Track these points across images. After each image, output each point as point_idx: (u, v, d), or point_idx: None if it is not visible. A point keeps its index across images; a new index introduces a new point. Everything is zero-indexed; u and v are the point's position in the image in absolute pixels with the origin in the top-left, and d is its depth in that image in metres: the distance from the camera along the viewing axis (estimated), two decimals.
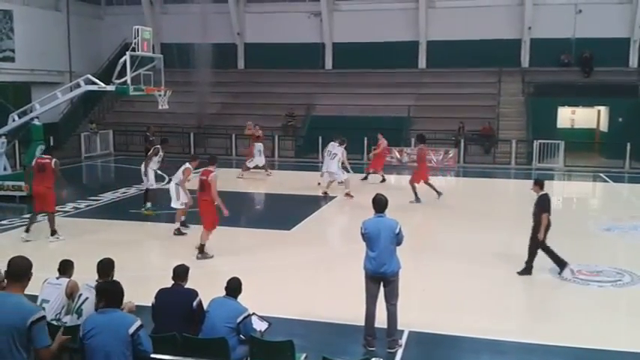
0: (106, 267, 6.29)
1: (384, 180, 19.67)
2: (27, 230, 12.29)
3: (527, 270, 10.20)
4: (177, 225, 12.91)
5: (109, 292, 5.07)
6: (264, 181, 20.50)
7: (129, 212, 15.33)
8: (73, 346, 4.99)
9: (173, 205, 12.91)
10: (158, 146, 15.08)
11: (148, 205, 14.83)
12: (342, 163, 17.53)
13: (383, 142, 20.37)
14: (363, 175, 20.07)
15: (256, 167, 20.95)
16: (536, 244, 10.11)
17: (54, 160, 12.44)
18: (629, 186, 21.00)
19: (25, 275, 4.49)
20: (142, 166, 14.99)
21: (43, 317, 4.41)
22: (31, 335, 4.27)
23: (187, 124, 27.83)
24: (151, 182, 14.84)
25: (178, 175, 12.70)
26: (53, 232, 12.26)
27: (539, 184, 10.31)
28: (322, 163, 18.29)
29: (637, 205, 17.72)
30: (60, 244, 11.97)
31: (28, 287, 4.58)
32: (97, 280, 6.24)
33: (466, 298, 9.17)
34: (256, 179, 20.68)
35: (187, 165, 12.60)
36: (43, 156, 12.81)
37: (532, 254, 10.19)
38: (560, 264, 10.17)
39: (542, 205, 10.03)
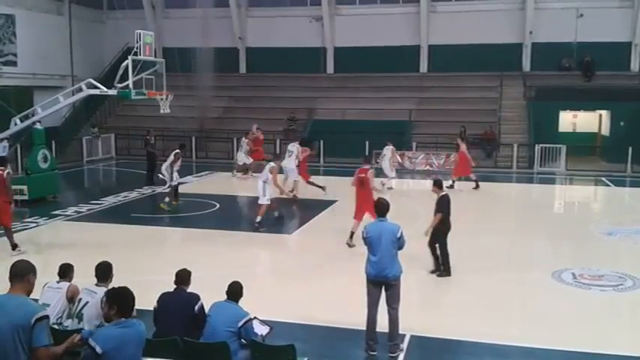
0: (104, 270, 6.30)
1: (477, 186, 18.99)
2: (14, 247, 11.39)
3: (445, 272, 10.30)
4: (258, 219, 13.63)
5: (123, 298, 4.75)
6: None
7: (130, 216, 15.35)
8: (77, 350, 4.95)
9: (260, 202, 13.73)
10: (178, 151, 16.32)
11: (167, 199, 15.94)
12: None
13: (462, 145, 19.67)
14: (449, 182, 18.84)
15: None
16: (442, 243, 10.27)
17: (7, 171, 11.63)
18: (631, 190, 20.97)
19: (27, 278, 4.49)
20: (164, 168, 16.21)
21: (47, 317, 4.41)
22: (32, 333, 4.25)
23: (189, 128, 27.84)
24: (174, 180, 16.07)
25: (265, 173, 13.77)
26: (14, 246, 11.38)
27: (438, 185, 10.49)
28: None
29: (639, 209, 17.69)
30: (59, 249, 11.95)
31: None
32: (96, 284, 6.23)
33: (468, 302, 9.16)
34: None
35: (273, 164, 13.93)
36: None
37: (444, 255, 10.30)
38: (438, 268, 10.30)
39: (439, 206, 10.21)
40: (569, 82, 27.85)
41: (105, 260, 6.44)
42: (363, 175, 12.31)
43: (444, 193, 10.36)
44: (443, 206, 10.16)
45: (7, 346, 4.23)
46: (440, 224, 10.14)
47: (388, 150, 19.76)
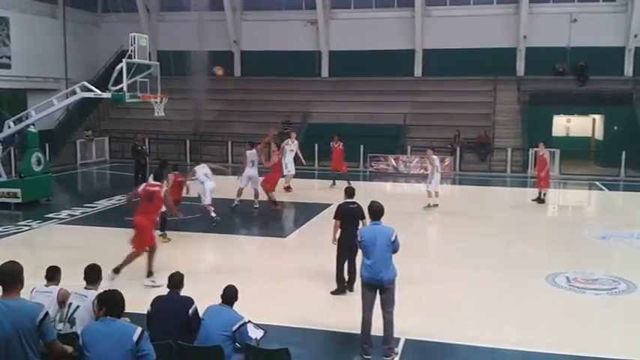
0: (93, 273, 6.28)
1: (542, 200, 17.84)
2: (116, 270, 9.65)
3: (350, 285, 9.55)
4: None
5: (109, 301, 5.01)
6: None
7: (124, 219, 15.25)
8: (74, 354, 5.01)
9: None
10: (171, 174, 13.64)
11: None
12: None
13: (545, 153, 17.95)
14: (536, 196, 17.98)
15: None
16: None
17: (165, 188, 10.50)
18: (625, 194, 21.06)
19: (18, 279, 4.66)
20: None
21: (47, 313, 4.68)
22: (41, 332, 4.56)
23: (183, 131, 27.80)
24: None
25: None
26: (150, 274, 9.99)
27: (347, 193, 9.82)
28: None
29: (632, 213, 17.76)
30: (52, 252, 11.88)
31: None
32: (85, 287, 6.20)
33: (463, 306, 9.16)
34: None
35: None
36: (153, 182, 10.62)
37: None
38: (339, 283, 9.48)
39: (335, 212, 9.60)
40: (562, 87, 27.98)
41: (93, 263, 6.39)
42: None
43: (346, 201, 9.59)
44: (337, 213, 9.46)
45: (15, 348, 4.44)
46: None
47: (436, 160, 17.12)
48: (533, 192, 18.64)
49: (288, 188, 18.74)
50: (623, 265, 11.96)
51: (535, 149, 23.92)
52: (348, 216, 9.33)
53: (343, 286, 9.53)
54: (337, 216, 9.51)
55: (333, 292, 9.51)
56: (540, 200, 17.92)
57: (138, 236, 10.06)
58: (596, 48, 27.76)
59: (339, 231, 9.49)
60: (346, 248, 9.34)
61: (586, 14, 28.23)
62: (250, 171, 16.00)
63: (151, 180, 11.33)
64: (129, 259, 9.83)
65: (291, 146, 19.23)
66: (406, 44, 30.73)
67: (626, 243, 13.44)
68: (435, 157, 17.10)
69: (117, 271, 9.60)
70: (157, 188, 10.29)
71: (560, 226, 16.05)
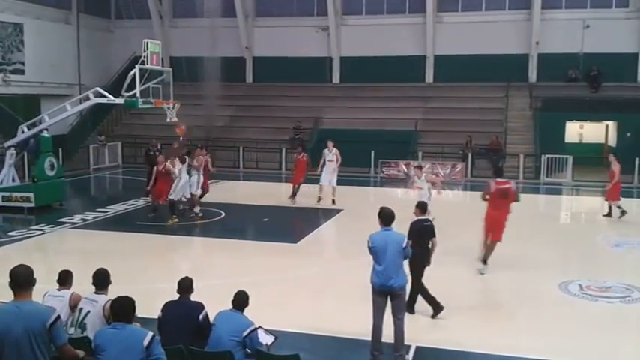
0: (102, 278, 6.29)
1: (623, 212, 16.52)
2: (484, 261, 11.13)
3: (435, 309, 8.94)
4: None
5: (119, 306, 5.05)
6: (271, 194, 20.46)
7: (136, 224, 15.37)
8: (86, 358, 5.06)
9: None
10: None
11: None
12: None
13: (616, 165, 16.77)
14: (605, 211, 17.18)
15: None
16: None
17: (513, 182, 11.33)
18: (638, 201, 20.87)
19: (30, 282, 4.72)
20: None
21: (59, 316, 4.71)
22: (52, 335, 4.60)
23: (195, 137, 27.86)
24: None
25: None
26: (484, 262, 11.18)
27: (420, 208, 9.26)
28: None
29: None
30: (65, 256, 11.96)
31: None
32: (95, 292, 6.24)
33: (474, 313, 9.12)
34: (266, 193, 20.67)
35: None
36: (499, 179, 11.30)
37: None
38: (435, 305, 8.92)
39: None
40: (575, 93, 27.79)
41: (101, 267, 6.42)
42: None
43: (423, 217, 9.10)
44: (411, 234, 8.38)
45: (25, 350, 4.48)
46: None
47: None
48: (545, 198, 18.47)
49: (333, 201, 17.83)
50: (637, 272, 11.85)
51: (547, 156, 23.90)
52: (422, 235, 8.62)
53: (437, 302, 8.87)
54: (411, 236, 8.07)
55: (433, 316, 8.80)
56: (609, 214, 17.05)
57: (493, 228, 11.02)
58: (609, 54, 27.61)
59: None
60: (422, 267, 8.83)
61: (599, 20, 28.08)
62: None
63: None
64: (489, 250, 11.02)
65: (329, 156, 18.13)
66: (418, 50, 30.72)
67: (639, 250, 13.32)
68: (423, 174, 15.42)
69: (484, 261, 11.06)
70: (507, 185, 11.03)
71: (573, 234, 15.94)
